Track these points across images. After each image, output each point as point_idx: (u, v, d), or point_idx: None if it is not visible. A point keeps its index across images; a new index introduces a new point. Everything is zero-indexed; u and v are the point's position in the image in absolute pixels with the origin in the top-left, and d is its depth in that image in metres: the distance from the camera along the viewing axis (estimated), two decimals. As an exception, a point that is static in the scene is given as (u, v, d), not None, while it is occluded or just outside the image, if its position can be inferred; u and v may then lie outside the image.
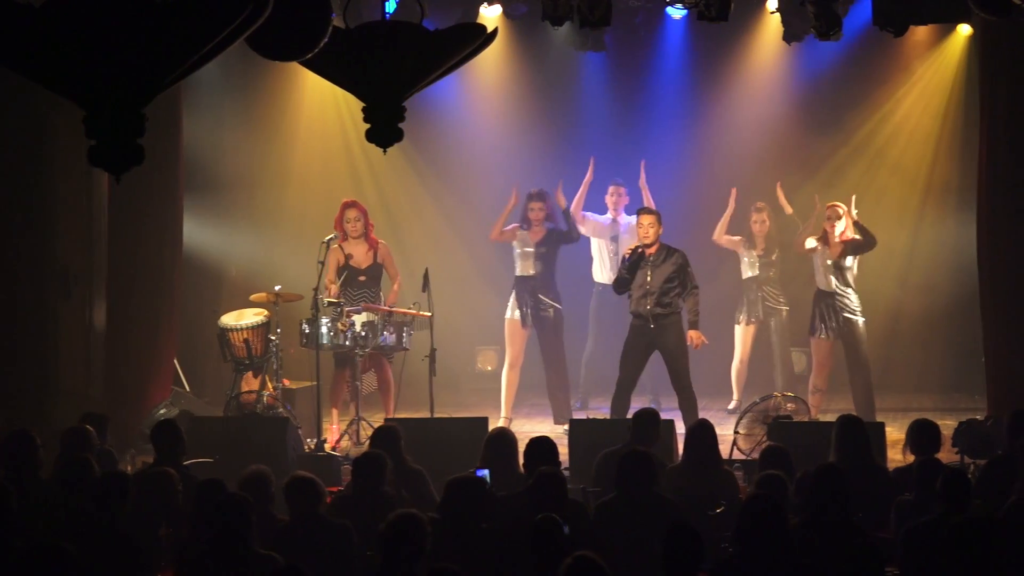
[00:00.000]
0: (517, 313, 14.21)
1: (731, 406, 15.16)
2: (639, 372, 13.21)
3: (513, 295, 14.26)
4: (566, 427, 12.35)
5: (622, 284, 13.18)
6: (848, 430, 9.58)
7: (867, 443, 9.57)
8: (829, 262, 13.81)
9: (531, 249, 14.12)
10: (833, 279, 13.79)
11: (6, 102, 12.45)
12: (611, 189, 15.23)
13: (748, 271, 15.30)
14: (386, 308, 13.26)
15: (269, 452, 10.84)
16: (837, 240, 13.81)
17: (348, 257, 13.62)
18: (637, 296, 13.01)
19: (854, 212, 13.97)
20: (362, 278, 13.66)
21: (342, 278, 13.58)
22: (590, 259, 15.31)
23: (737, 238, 15.26)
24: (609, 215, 15.21)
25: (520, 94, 17.18)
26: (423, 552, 6.91)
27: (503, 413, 14.24)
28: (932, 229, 16.68)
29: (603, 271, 15.15)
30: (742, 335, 15.34)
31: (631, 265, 13.04)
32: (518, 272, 14.26)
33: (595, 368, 15.31)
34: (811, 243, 13.97)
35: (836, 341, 13.91)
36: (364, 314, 13.17)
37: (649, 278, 12.95)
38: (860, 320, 13.83)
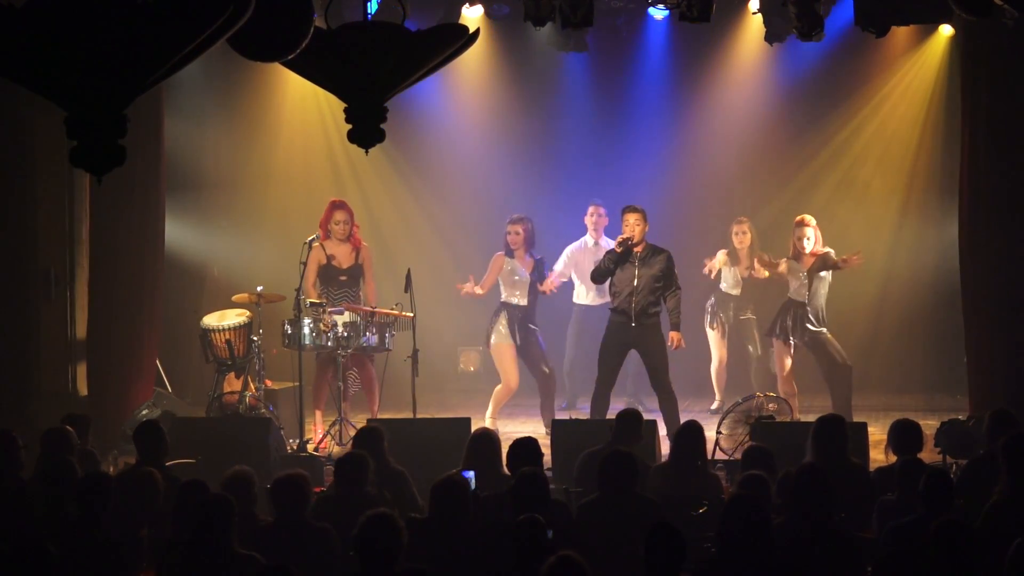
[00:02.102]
0: (503, 334, 14.04)
1: (714, 407, 15.16)
2: (617, 370, 13.16)
3: (504, 318, 14.05)
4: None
5: (603, 275, 13.12)
6: (826, 430, 9.57)
7: (845, 442, 9.57)
8: (802, 274, 13.77)
9: (520, 278, 14.01)
10: (805, 291, 13.74)
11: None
12: (591, 209, 15.10)
13: (730, 288, 15.17)
14: (368, 308, 13.24)
15: (251, 453, 10.82)
16: (808, 253, 13.76)
17: (330, 257, 13.59)
18: (623, 293, 12.95)
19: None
20: (343, 278, 13.62)
21: (319, 277, 13.59)
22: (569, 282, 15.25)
23: (721, 254, 15.16)
24: (590, 238, 15.12)
25: (502, 95, 17.17)
26: (399, 551, 6.91)
27: (489, 414, 14.17)
28: (913, 229, 16.68)
29: (585, 294, 15.09)
30: (716, 340, 15.28)
31: (619, 258, 12.98)
32: (504, 298, 14.07)
33: (578, 374, 15.27)
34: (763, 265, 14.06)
35: (801, 349, 13.88)
36: (346, 314, 13.16)
37: (636, 277, 12.91)
38: (822, 331, 13.77)
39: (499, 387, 14.25)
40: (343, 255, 13.67)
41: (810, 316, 13.73)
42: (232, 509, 7.39)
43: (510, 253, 14.08)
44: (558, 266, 14.91)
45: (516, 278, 14.03)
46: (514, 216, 14.21)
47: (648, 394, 13.72)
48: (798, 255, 13.86)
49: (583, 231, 15.17)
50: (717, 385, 15.35)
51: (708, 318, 15.32)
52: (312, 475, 10.50)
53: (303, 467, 10.75)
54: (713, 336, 15.30)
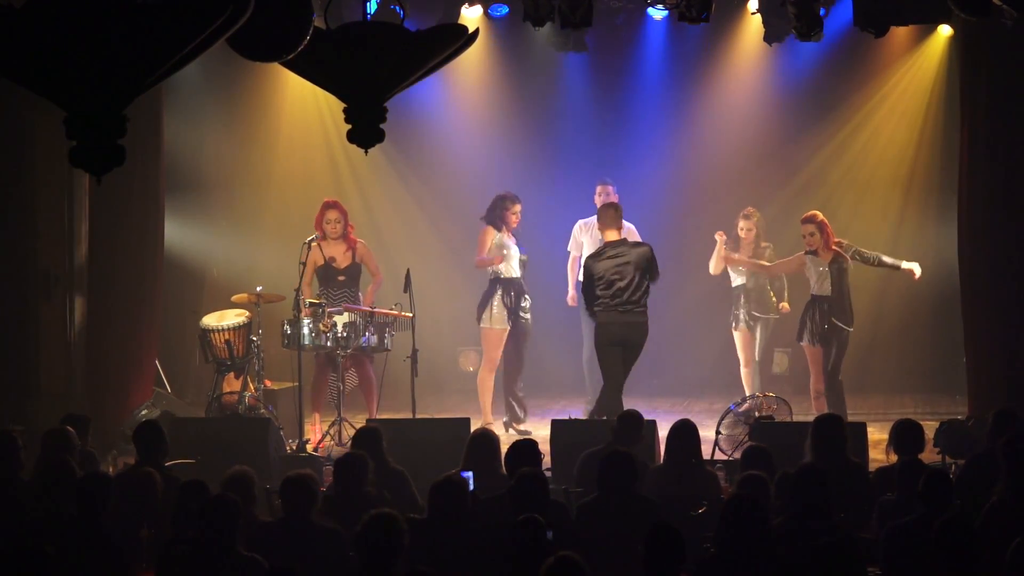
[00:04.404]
0: (498, 318, 14.02)
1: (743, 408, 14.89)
2: (618, 364, 12.98)
3: (499, 298, 14.03)
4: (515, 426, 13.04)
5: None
6: (824, 429, 9.57)
7: (844, 442, 9.56)
8: (823, 268, 13.59)
9: (510, 251, 13.98)
10: (829, 285, 13.56)
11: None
12: (599, 188, 14.99)
13: (736, 278, 14.81)
14: (367, 309, 13.24)
15: (251, 453, 10.81)
16: (823, 247, 13.58)
17: (329, 259, 13.58)
18: None
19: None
20: (341, 278, 13.62)
21: (318, 278, 13.60)
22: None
23: (719, 240, 14.96)
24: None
25: (501, 95, 17.17)
26: (401, 551, 6.91)
27: (484, 420, 14.08)
28: (913, 229, 16.66)
29: None
30: (740, 340, 14.84)
31: None
32: (504, 274, 14.02)
33: (595, 369, 15.19)
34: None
35: (822, 345, 13.67)
36: (345, 315, 13.15)
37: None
38: (848, 330, 13.62)
39: (481, 371, 14.21)
40: (340, 255, 13.66)
41: (838, 310, 13.55)
42: (237, 511, 7.39)
43: (498, 227, 14.04)
44: (569, 246, 14.88)
45: (507, 251, 13.99)
46: (512, 194, 14.13)
47: (647, 395, 13.63)
48: (814, 250, 13.64)
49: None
50: (748, 387, 14.69)
51: (730, 318, 14.99)
52: (312, 475, 10.54)
53: (302, 467, 10.78)
54: (736, 336, 14.82)
